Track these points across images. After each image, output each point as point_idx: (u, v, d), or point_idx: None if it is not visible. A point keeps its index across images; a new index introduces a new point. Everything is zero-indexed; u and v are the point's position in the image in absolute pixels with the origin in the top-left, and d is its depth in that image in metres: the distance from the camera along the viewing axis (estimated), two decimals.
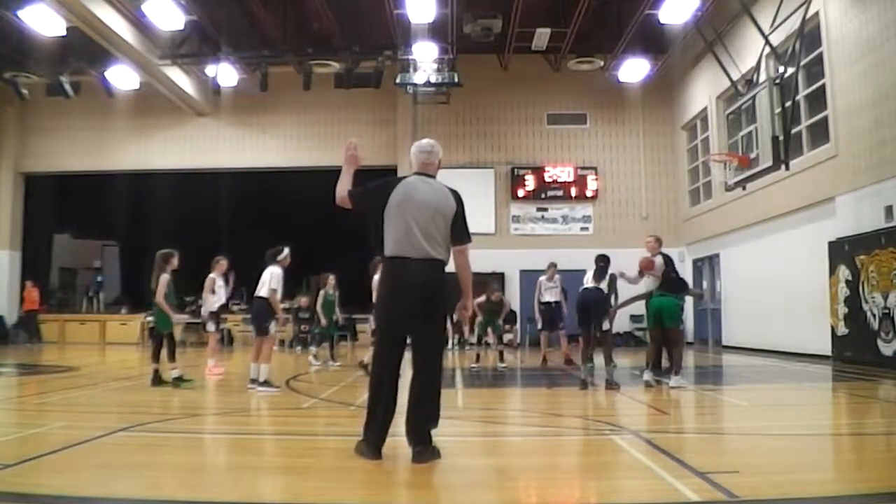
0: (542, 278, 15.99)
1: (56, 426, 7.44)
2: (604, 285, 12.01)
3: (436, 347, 5.86)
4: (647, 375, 11.37)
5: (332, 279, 16.38)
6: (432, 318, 5.77)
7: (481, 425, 8.41)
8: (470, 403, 10.20)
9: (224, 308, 15.21)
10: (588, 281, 12.11)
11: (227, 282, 14.50)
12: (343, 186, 5.92)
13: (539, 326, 16.51)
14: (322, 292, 16.39)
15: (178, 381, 11.29)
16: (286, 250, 11.62)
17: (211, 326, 14.29)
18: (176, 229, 23.86)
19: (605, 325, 12.54)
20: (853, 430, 7.98)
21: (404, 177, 5.93)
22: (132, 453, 6.18)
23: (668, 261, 11.83)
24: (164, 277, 11.47)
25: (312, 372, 14.83)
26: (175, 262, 11.70)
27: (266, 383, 10.83)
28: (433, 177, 6.00)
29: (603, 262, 12.05)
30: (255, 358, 11.16)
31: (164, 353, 11.47)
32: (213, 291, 13.95)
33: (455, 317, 10.79)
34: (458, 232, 5.86)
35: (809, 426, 8.01)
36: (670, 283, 11.76)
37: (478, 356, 15.65)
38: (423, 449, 5.59)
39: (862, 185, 15.35)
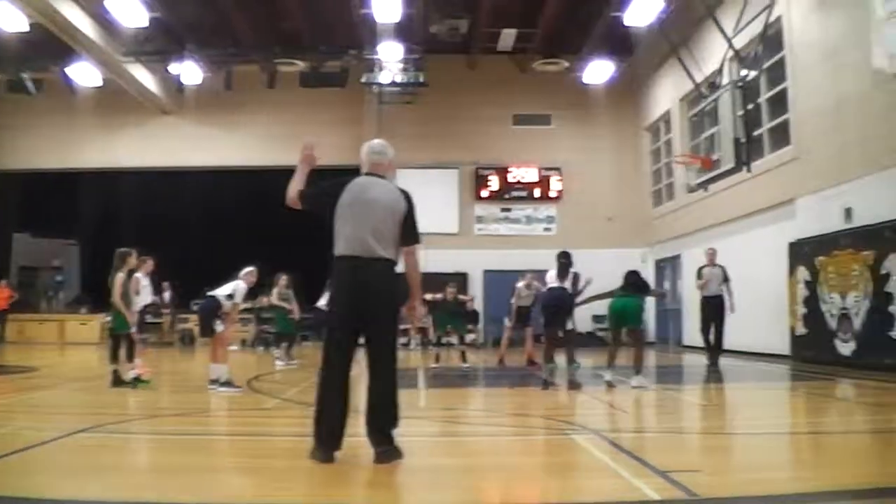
0: (520, 285, 15.77)
1: (16, 427, 7.34)
2: (567, 283, 12.05)
3: (389, 347, 5.81)
4: (609, 375, 11.40)
5: (284, 279, 16.29)
6: (384, 318, 5.74)
7: (444, 425, 8.41)
8: (432, 403, 10.20)
9: (152, 308, 14.98)
10: (552, 280, 12.14)
11: (153, 283, 14.28)
12: (294, 187, 5.87)
13: (509, 323, 16.46)
14: (275, 291, 16.28)
15: (136, 382, 11.16)
16: (251, 268, 11.66)
17: (132, 327, 14.07)
18: (138, 228, 23.72)
19: (569, 325, 12.64)
20: (811, 429, 8.06)
21: (354, 177, 5.90)
22: (93, 455, 6.10)
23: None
24: (120, 276, 11.40)
25: (277, 371, 14.75)
26: (132, 260, 11.65)
27: (227, 383, 10.74)
28: (383, 177, 5.99)
29: (565, 258, 12.08)
30: (212, 358, 11.07)
31: (122, 353, 11.35)
32: (137, 292, 13.73)
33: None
34: (408, 232, 5.83)
35: (768, 425, 8.09)
36: (634, 284, 11.86)
37: (438, 356, 15.57)
38: (385, 449, 5.55)
39: (822, 188, 15.54)
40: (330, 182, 5.87)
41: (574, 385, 11.25)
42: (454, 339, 16.06)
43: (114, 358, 11.41)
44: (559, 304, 11.98)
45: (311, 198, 5.85)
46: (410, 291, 6.00)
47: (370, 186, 5.82)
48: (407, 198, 5.89)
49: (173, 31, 23.39)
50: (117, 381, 11.17)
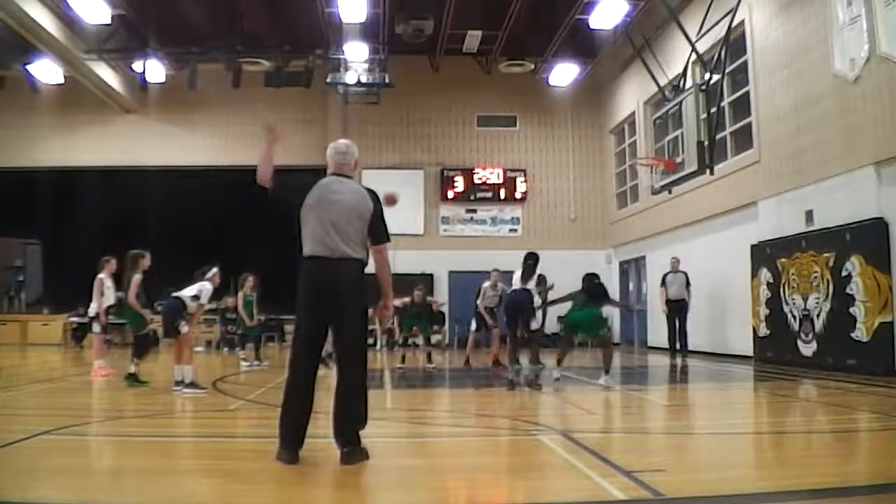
0: (486, 285, 15.66)
1: None
2: (532, 285, 12.09)
3: (357, 347, 5.80)
4: (556, 373, 11.78)
5: (250, 280, 16.16)
6: (351, 319, 5.73)
7: (410, 426, 8.39)
8: (398, 404, 10.19)
9: (113, 308, 14.86)
10: (516, 282, 12.18)
11: (117, 284, 14.21)
12: (266, 165, 5.85)
13: (474, 328, 16.40)
14: (241, 293, 16.16)
15: (132, 380, 11.19)
16: (215, 269, 11.62)
17: (96, 328, 13.95)
18: (101, 228, 23.39)
19: (534, 326, 12.71)
20: (774, 429, 8.14)
21: (321, 177, 5.90)
22: (55, 457, 6.02)
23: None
24: (136, 277, 11.61)
25: (242, 373, 14.65)
26: (146, 262, 11.83)
27: (192, 385, 10.66)
28: (349, 177, 6.00)
29: (532, 259, 12.12)
30: (176, 360, 10.99)
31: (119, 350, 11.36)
32: (101, 293, 13.64)
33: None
34: (377, 232, 5.86)
35: (732, 425, 8.17)
36: (590, 293, 12.03)
37: (404, 357, 15.37)
38: (352, 450, 5.53)
39: (783, 190, 15.72)
40: (301, 180, 5.87)
41: (534, 385, 11.30)
42: (419, 340, 15.96)
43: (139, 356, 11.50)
44: (520, 306, 12.02)
45: (280, 186, 5.84)
46: (382, 291, 5.98)
47: (336, 186, 5.83)
48: (374, 197, 5.90)
49: (136, 29, 23.14)
50: (135, 379, 11.22)
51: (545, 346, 15.06)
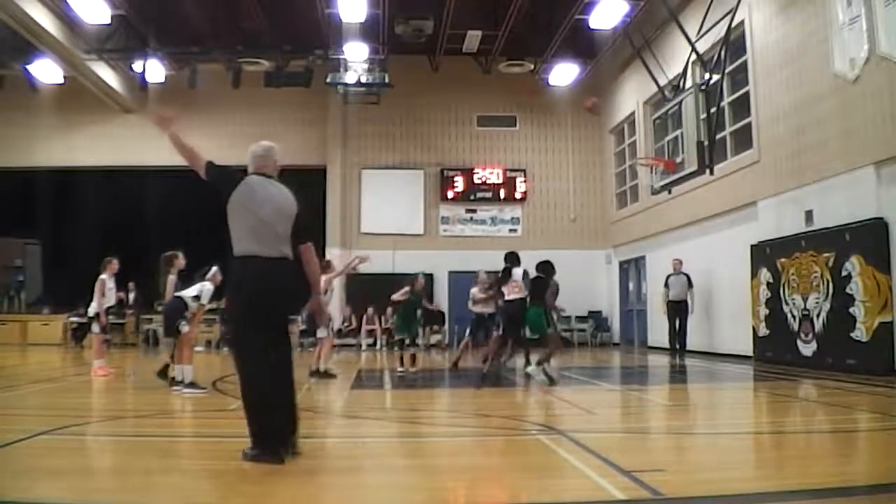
0: (473, 290, 15.45)
1: None
2: (525, 286, 12.30)
3: (289, 345, 5.95)
4: (529, 369, 12.25)
5: None
6: (286, 315, 5.98)
7: (409, 426, 8.39)
8: (397, 404, 10.19)
9: (114, 308, 14.90)
10: (512, 291, 12.39)
11: (125, 285, 14.28)
12: (191, 155, 6.13)
13: (469, 332, 16.05)
14: None
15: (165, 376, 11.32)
16: (215, 269, 11.65)
17: (95, 328, 13.95)
18: (101, 228, 23.41)
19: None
20: (774, 429, 8.14)
21: (247, 174, 5.99)
22: (55, 457, 6.01)
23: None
24: (172, 279, 11.66)
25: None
26: (180, 262, 11.87)
27: (192, 385, 10.65)
28: (272, 177, 6.06)
29: (509, 261, 12.45)
30: (177, 360, 11.00)
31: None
32: (103, 293, 13.67)
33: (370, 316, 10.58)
34: (304, 230, 5.98)
35: (732, 425, 8.18)
36: (534, 288, 12.35)
37: (402, 359, 14.43)
38: (293, 450, 5.64)
39: (783, 190, 15.72)
40: (233, 171, 6.00)
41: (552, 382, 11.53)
42: (419, 340, 15.80)
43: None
44: (519, 314, 12.32)
45: (216, 174, 6.00)
46: (312, 287, 6.10)
47: (267, 186, 5.92)
48: (295, 198, 6.01)
49: (136, 29, 23.13)
50: (171, 378, 11.25)
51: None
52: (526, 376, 12.33)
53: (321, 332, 13.32)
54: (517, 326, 12.41)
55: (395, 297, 14.06)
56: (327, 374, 13.02)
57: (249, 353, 5.68)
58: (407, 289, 13.97)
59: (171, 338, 11.34)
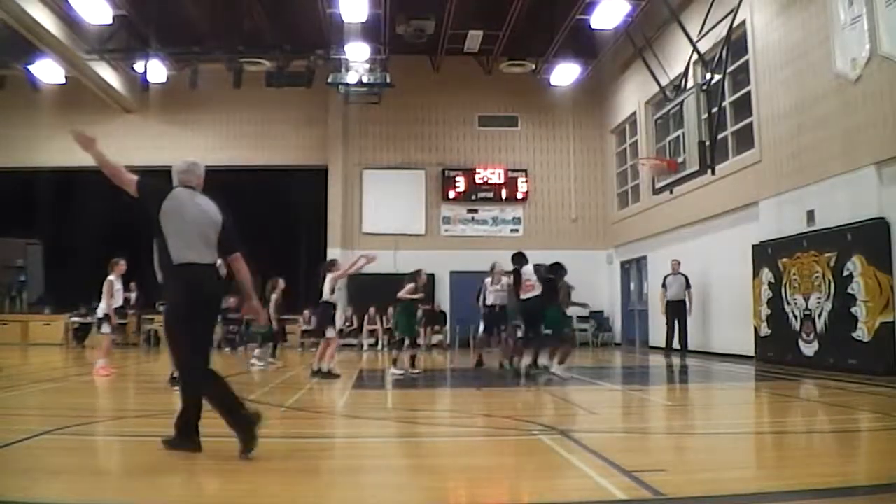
0: (487, 280, 15.29)
1: None
2: (538, 285, 12.44)
3: (210, 347, 6.29)
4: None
5: (281, 282, 16.29)
6: (214, 320, 6.39)
7: (410, 426, 8.38)
8: (398, 404, 10.19)
9: (121, 310, 14.95)
10: (527, 290, 12.55)
11: (126, 285, 14.31)
12: (116, 172, 6.38)
13: (482, 329, 15.81)
14: (273, 297, 16.25)
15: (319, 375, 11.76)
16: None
17: (106, 328, 13.96)
18: (102, 228, 23.40)
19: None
20: (775, 429, 8.13)
21: (174, 187, 6.23)
22: (56, 457, 6.01)
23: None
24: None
25: (254, 372, 14.69)
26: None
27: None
28: (197, 190, 6.34)
29: (516, 262, 12.66)
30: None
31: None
32: (111, 294, 13.69)
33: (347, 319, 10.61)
34: (233, 241, 6.24)
35: (733, 425, 8.17)
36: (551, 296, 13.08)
37: (413, 359, 14.39)
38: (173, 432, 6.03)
39: (784, 190, 15.72)
40: (159, 185, 6.24)
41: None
42: (420, 340, 15.76)
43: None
44: (538, 311, 12.58)
45: (147, 191, 6.18)
46: (245, 294, 6.38)
47: (196, 198, 6.21)
48: (222, 210, 6.30)
49: (137, 29, 23.16)
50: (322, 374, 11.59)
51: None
52: (534, 377, 12.40)
53: (329, 332, 13.33)
54: (538, 323, 12.58)
55: (403, 294, 13.93)
56: (330, 375, 13.02)
57: (189, 354, 6.00)
58: (411, 285, 13.89)
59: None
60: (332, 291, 13.49)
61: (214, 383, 5.95)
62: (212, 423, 7.98)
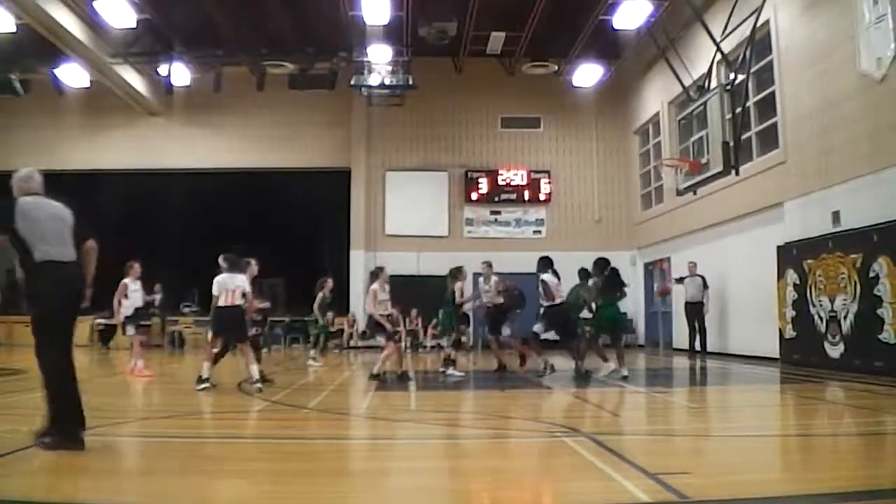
0: (480, 280, 15.41)
1: (1, 431, 7.28)
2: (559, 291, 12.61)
3: (72, 342, 6.44)
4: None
5: (329, 282, 16.75)
6: (76, 315, 6.53)
7: (434, 427, 8.37)
8: (421, 406, 10.20)
9: (143, 310, 15.10)
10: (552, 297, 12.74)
11: (150, 287, 14.48)
12: None
13: (488, 330, 15.79)
14: (321, 295, 16.50)
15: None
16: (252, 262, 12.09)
17: (130, 330, 14.05)
18: (126, 231, 23.56)
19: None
20: (801, 432, 8.08)
21: (20, 198, 6.52)
22: (78, 457, 6.05)
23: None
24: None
25: (311, 372, 15.16)
26: (254, 269, 12.20)
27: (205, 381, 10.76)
28: (40, 195, 6.68)
29: (538, 268, 12.86)
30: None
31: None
32: (126, 296, 13.77)
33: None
34: (85, 230, 6.73)
35: (758, 427, 8.12)
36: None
37: (453, 359, 14.16)
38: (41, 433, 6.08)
39: (809, 191, 15.59)
40: (4, 202, 6.52)
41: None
42: (444, 341, 15.70)
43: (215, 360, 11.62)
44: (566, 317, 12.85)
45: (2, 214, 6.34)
46: (84, 279, 6.63)
47: (39, 201, 6.57)
48: (70, 208, 6.73)
49: (161, 33, 23.35)
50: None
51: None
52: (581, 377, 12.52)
53: (381, 338, 13.49)
54: (567, 328, 12.86)
55: (464, 301, 14.76)
56: (378, 378, 12.85)
57: (53, 349, 6.17)
58: (460, 284, 14.18)
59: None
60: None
61: (70, 381, 6.15)
62: (232, 425, 8.02)
